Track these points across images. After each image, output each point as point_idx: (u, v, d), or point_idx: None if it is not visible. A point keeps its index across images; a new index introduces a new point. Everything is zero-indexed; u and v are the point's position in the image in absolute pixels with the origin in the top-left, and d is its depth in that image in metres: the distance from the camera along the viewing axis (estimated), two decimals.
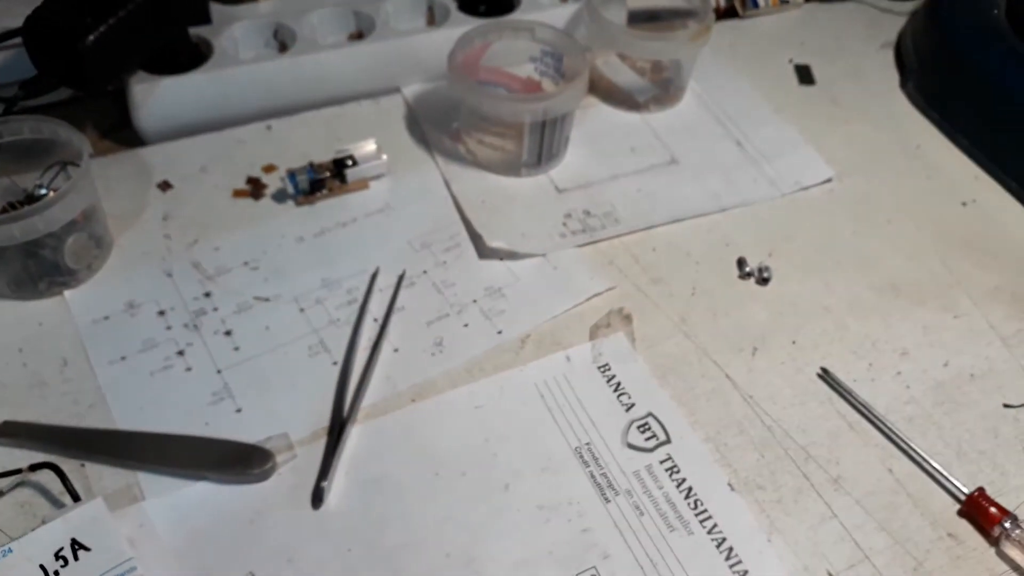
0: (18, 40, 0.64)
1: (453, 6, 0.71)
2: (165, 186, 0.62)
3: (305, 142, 0.65)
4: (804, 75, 0.75)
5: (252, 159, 0.64)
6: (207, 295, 0.55)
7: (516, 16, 0.71)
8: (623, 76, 0.70)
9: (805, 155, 0.68)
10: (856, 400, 0.52)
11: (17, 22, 0.60)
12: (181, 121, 0.65)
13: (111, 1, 0.58)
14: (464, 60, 0.64)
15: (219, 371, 0.52)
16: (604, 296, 0.57)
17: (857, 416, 0.52)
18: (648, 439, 0.50)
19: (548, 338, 0.55)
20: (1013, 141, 0.66)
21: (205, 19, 0.68)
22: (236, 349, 0.53)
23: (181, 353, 0.52)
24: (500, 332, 0.55)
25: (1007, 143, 0.67)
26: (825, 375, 0.54)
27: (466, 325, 0.55)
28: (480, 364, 0.53)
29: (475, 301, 0.56)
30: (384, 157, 0.63)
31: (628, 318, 0.56)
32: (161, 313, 0.54)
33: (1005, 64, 0.67)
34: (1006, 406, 0.53)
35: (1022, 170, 0.66)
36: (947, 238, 0.63)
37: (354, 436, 0.49)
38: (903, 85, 0.75)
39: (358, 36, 0.71)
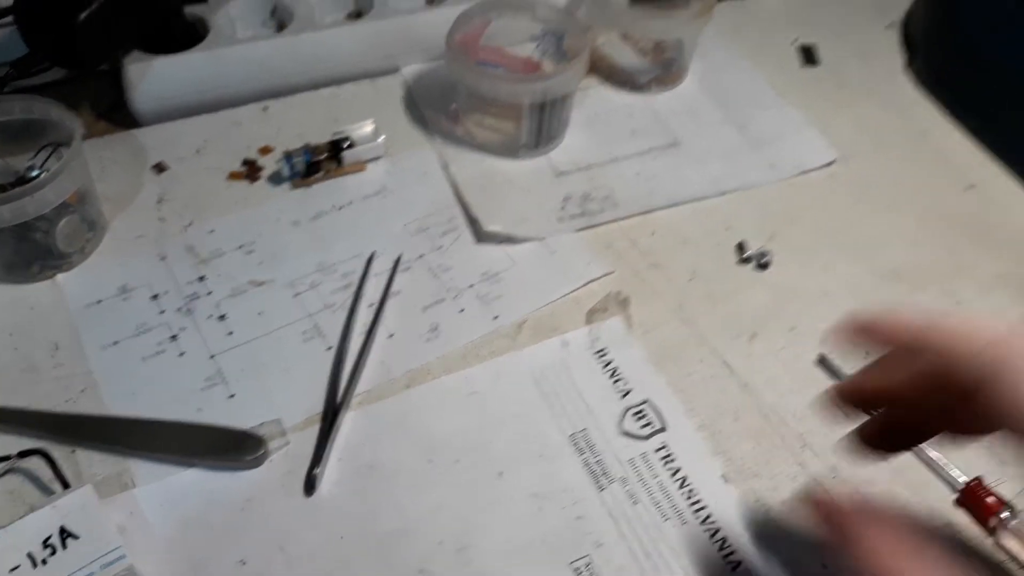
0: (9, 19, 0.63)
1: None
2: (160, 168, 0.61)
3: (302, 123, 0.64)
4: (808, 56, 0.74)
5: (248, 141, 0.63)
6: (201, 279, 0.55)
7: None
8: (624, 56, 0.69)
9: (807, 138, 0.67)
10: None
11: (7, 0, 0.59)
12: (177, 102, 0.64)
13: None
14: (463, 39, 0.63)
15: (212, 356, 0.51)
16: (602, 281, 0.57)
17: None
18: (644, 427, 0.50)
19: (545, 323, 0.54)
20: (1021, 125, 0.65)
21: None
22: (230, 334, 0.52)
23: (174, 338, 0.52)
24: (496, 317, 0.54)
25: (1014, 127, 0.65)
26: (824, 362, 0.53)
27: (462, 310, 0.55)
28: (476, 350, 0.53)
29: (471, 286, 0.56)
30: (381, 139, 0.62)
31: (625, 303, 0.56)
32: (154, 297, 0.54)
33: (1014, 46, 0.65)
34: None
35: None
36: (951, 223, 0.62)
37: (348, 422, 0.49)
38: (909, 66, 0.74)
39: (356, 15, 0.70)
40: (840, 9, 0.78)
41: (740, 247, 0.59)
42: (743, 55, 0.73)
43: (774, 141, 0.66)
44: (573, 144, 0.65)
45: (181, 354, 0.51)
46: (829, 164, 0.65)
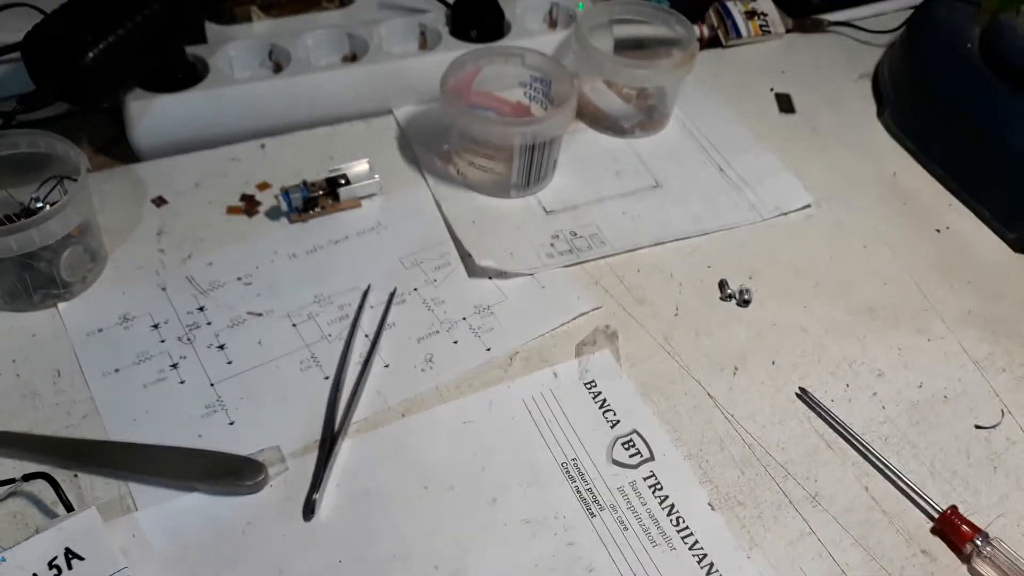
0: (15, 55, 0.65)
1: (445, 31, 0.73)
2: (159, 201, 0.63)
3: (298, 161, 0.66)
4: (784, 103, 0.78)
5: (246, 176, 0.65)
6: (201, 309, 0.56)
7: (506, 42, 0.73)
8: (609, 102, 0.72)
9: (785, 181, 0.70)
10: (833, 419, 0.54)
11: (14, 37, 0.61)
12: (176, 138, 0.66)
13: (111, 19, 0.59)
14: (456, 84, 0.66)
15: (212, 384, 0.52)
16: (590, 315, 0.59)
17: (834, 435, 0.54)
18: (632, 456, 0.51)
19: (536, 355, 0.56)
20: (984, 170, 0.69)
21: (201, 39, 0.70)
22: (229, 363, 0.53)
23: (175, 366, 0.53)
24: (489, 349, 0.56)
25: (979, 172, 0.69)
26: (803, 395, 0.56)
27: (456, 342, 0.56)
28: (469, 380, 0.54)
29: (464, 318, 0.58)
30: (376, 177, 0.64)
31: (613, 336, 0.58)
32: (155, 326, 0.55)
33: (977, 97, 0.69)
34: (977, 427, 0.55)
35: (993, 198, 0.68)
36: (922, 263, 0.65)
37: (345, 450, 0.50)
38: (880, 115, 0.77)
39: (352, 58, 0.73)
40: (814, 60, 0.82)
41: (722, 284, 0.62)
42: (723, 102, 0.76)
43: (753, 184, 0.69)
44: (561, 184, 0.67)
45: (181, 382, 0.52)
46: (806, 207, 0.68)
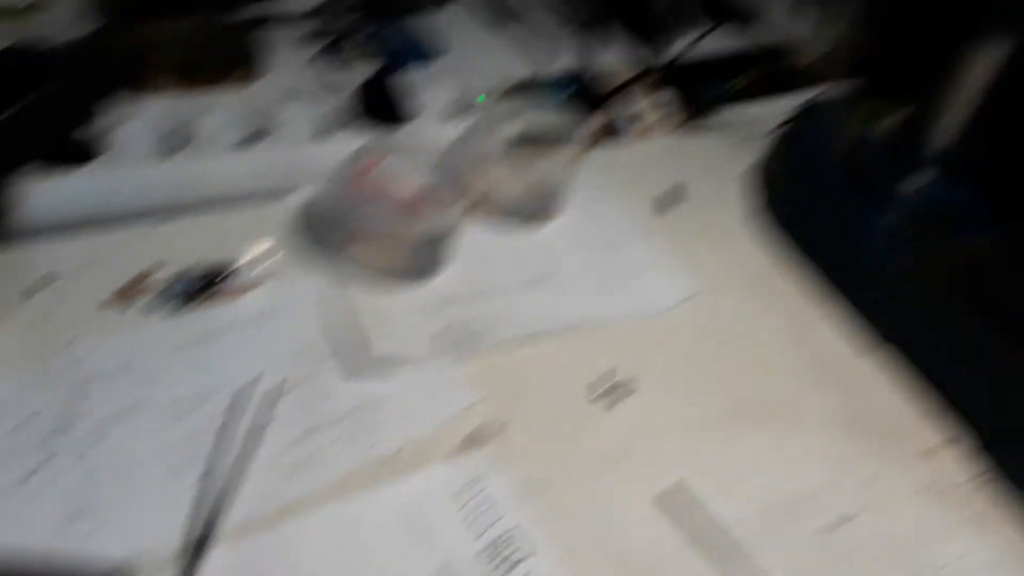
0: None
1: (348, 117, 0.74)
2: (37, 287, 0.61)
3: (189, 245, 0.66)
4: (672, 197, 0.81)
5: (134, 262, 0.64)
6: (74, 404, 0.54)
7: (409, 131, 0.74)
8: (507, 193, 0.74)
9: (667, 275, 0.72)
10: (702, 518, 0.56)
11: None
12: (60, 219, 0.65)
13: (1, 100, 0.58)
14: (355, 172, 0.66)
15: (78, 487, 0.51)
16: (478, 408, 0.60)
17: (703, 533, 0.55)
18: (512, 552, 0.52)
19: (422, 451, 0.56)
20: (850, 272, 0.73)
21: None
22: (97, 465, 0.52)
23: (38, 468, 0.51)
24: (373, 445, 0.56)
25: (841, 275, 0.73)
26: (673, 493, 0.57)
27: (339, 438, 0.56)
28: (352, 479, 0.54)
29: (350, 413, 0.58)
30: (269, 262, 0.64)
31: (499, 430, 0.59)
32: (20, 425, 0.53)
33: (836, 205, 0.73)
34: (832, 524, 0.57)
35: (858, 298, 0.72)
36: (791, 361, 0.68)
37: (217, 556, 0.49)
38: (759, 211, 0.81)
39: (253, 139, 0.73)
40: (702, 156, 0.86)
41: (604, 377, 0.63)
42: (614, 194, 0.79)
43: (639, 276, 0.72)
44: (456, 274, 0.69)
45: (45, 483, 0.50)
46: (686, 300, 0.71)
